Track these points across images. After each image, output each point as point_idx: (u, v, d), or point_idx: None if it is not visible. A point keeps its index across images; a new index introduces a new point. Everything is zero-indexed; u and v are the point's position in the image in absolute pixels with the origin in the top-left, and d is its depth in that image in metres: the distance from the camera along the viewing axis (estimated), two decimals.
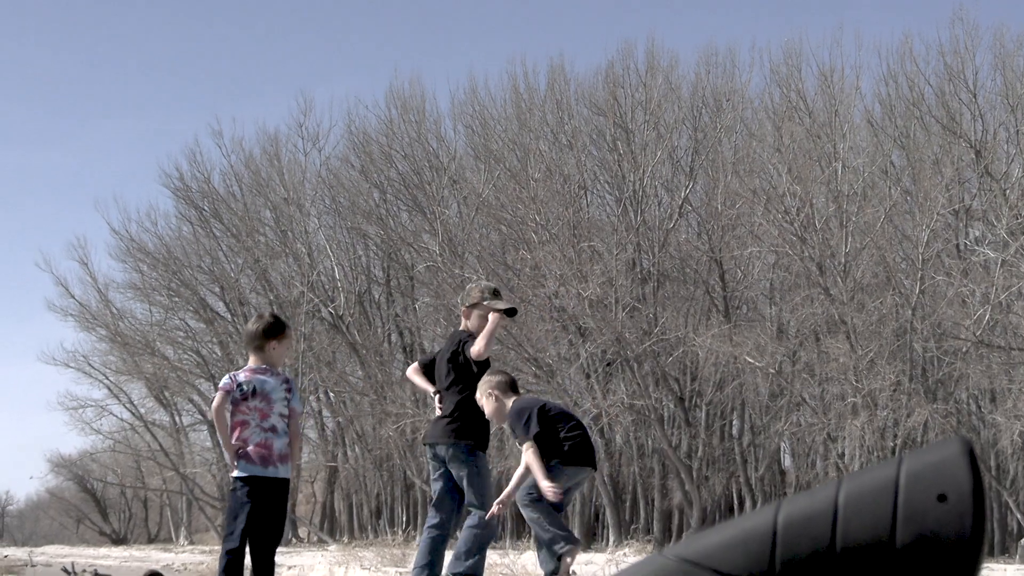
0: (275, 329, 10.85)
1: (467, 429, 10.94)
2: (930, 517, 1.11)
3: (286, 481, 10.78)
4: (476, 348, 10.94)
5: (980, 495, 1.12)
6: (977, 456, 1.12)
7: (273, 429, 10.52)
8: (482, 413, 11.23)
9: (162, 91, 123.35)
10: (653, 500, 46.07)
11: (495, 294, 11.24)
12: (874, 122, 44.14)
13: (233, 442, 10.64)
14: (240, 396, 10.52)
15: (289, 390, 10.87)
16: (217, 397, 10.94)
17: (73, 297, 64.92)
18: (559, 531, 10.70)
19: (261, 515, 10.52)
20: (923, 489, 1.12)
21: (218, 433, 10.59)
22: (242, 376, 10.72)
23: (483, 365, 11.04)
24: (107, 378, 65.99)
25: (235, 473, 10.66)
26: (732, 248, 43.58)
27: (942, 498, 1.11)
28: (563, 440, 11.27)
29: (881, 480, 1.13)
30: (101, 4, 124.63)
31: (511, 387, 11.45)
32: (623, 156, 45.10)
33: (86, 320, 64.74)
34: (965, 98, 41.48)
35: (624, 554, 30.23)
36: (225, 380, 10.85)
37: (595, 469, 12.12)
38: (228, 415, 10.97)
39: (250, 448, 10.48)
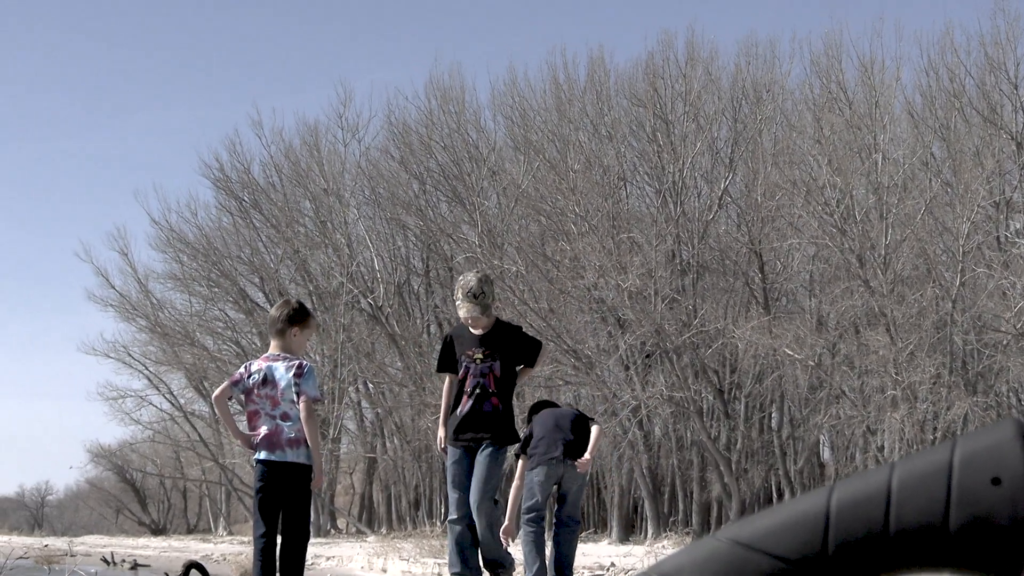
0: (298, 316, 11.08)
1: None
2: (984, 501, 1.11)
3: (299, 466, 10.70)
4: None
5: None
6: None
7: (284, 416, 10.61)
8: None
9: (202, 81, 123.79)
10: (692, 492, 45.98)
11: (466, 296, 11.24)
12: (914, 113, 43.90)
13: (249, 432, 10.89)
14: (251, 385, 10.69)
15: (300, 375, 10.79)
16: (221, 386, 11.36)
17: (113, 287, 65.21)
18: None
19: (274, 499, 10.65)
20: (977, 472, 1.12)
21: (222, 422, 11.33)
22: (255, 365, 10.95)
23: None
24: (147, 368, 66.30)
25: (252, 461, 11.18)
26: (772, 240, 43.40)
27: (996, 481, 1.11)
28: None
29: (935, 463, 1.12)
30: None
31: None
32: (663, 147, 44.94)
33: (126, 310, 64.98)
34: (1007, 90, 41.31)
35: (663, 546, 30.18)
36: (239, 370, 11.07)
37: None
38: (240, 404, 11.71)
39: (260, 435, 10.59)
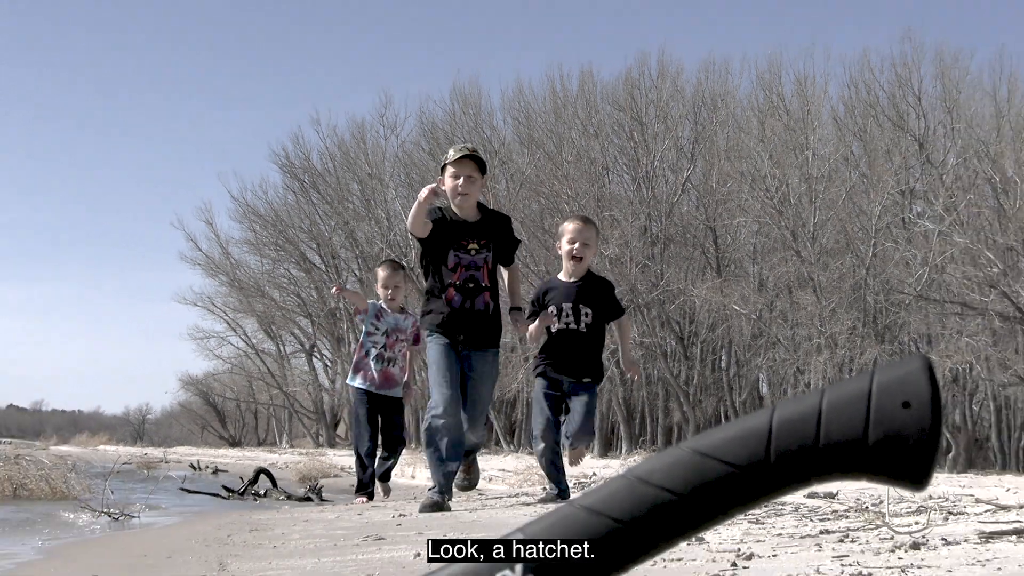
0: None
1: None
2: (896, 421, 1.10)
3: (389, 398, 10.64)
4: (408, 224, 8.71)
5: (937, 404, 1.11)
6: (935, 371, 1.11)
7: (392, 359, 10.66)
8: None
9: (273, 86, 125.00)
10: (658, 418, 46.18)
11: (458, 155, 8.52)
12: (838, 119, 44.06)
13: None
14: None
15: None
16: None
17: (200, 250, 65.56)
18: None
19: (374, 418, 10.69)
20: (891, 397, 1.11)
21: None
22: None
23: (422, 242, 8.45)
24: (226, 315, 66.90)
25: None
26: (723, 218, 43.71)
27: (906, 405, 1.10)
28: None
29: (857, 389, 1.12)
30: (223, 13, 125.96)
31: None
32: (638, 144, 45.17)
33: (211, 269, 65.48)
34: (911, 101, 41.60)
35: (635, 459, 30.16)
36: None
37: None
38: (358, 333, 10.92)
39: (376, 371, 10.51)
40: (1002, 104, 40.99)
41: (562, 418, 8.89)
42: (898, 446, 1.06)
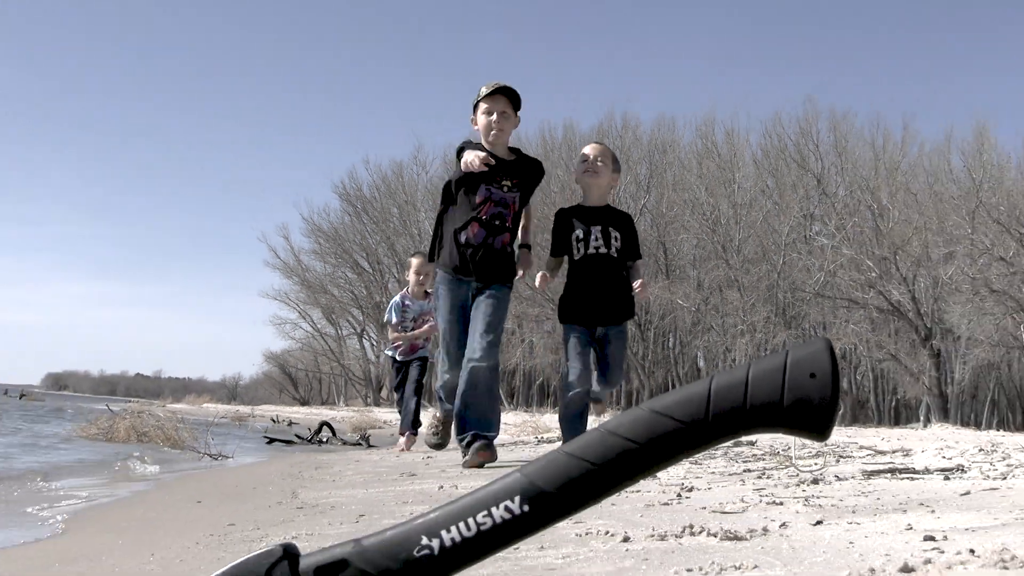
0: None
1: None
2: (805, 388, 1.08)
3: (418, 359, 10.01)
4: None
5: (836, 375, 1.09)
6: (835, 350, 1.09)
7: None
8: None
9: (332, 134, 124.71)
10: (621, 385, 46.16)
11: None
12: (757, 161, 44.28)
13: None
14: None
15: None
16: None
17: (279, 258, 66.67)
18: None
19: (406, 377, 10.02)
20: (801, 370, 1.09)
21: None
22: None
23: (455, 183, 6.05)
24: (298, 307, 67.57)
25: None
26: (671, 235, 43.82)
27: (812, 376, 1.09)
28: None
29: (775, 364, 1.10)
30: (297, 82, 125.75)
31: None
32: None
33: (286, 272, 66.57)
34: (811, 148, 41.92)
35: (604, 417, 30.04)
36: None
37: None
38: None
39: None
40: (878, 150, 41.21)
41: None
42: (806, 407, 1.05)
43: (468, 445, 5.69)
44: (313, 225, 64.83)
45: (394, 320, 9.91)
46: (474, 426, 5.68)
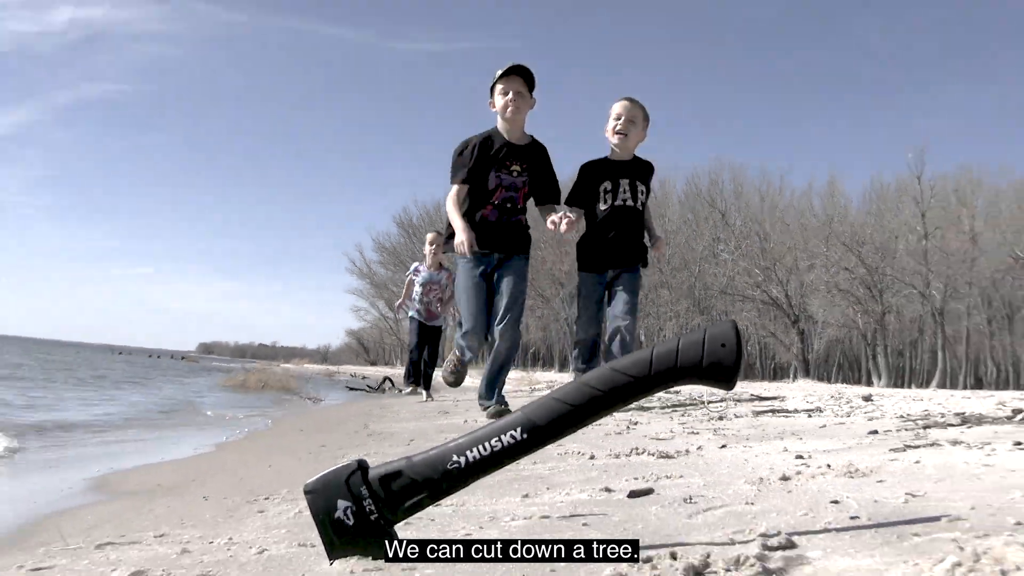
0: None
1: None
2: (718, 354, 1.06)
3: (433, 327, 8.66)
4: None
5: (739, 345, 1.07)
6: (739, 327, 1.07)
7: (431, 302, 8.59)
8: None
9: (390, 172, 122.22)
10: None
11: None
12: (681, 201, 43.80)
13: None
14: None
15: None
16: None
17: (355, 266, 66.58)
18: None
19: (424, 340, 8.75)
20: (715, 341, 1.07)
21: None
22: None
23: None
24: (368, 299, 67.65)
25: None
26: None
27: (723, 345, 1.07)
28: None
29: (698, 336, 1.08)
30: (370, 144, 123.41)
31: None
32: None
33: (361, 275, 66.49)
34: (718, 192, 41.40)
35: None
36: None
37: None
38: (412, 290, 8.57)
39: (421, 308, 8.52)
40: (764, 194, 40.89)
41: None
42: (718, 367, 1.04)
43: (490, 409, 4.39)
44: (379, 244, 64.78)
45: (409, 277, 8.75)
46: (496, 397, 4.44)
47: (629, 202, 4.67)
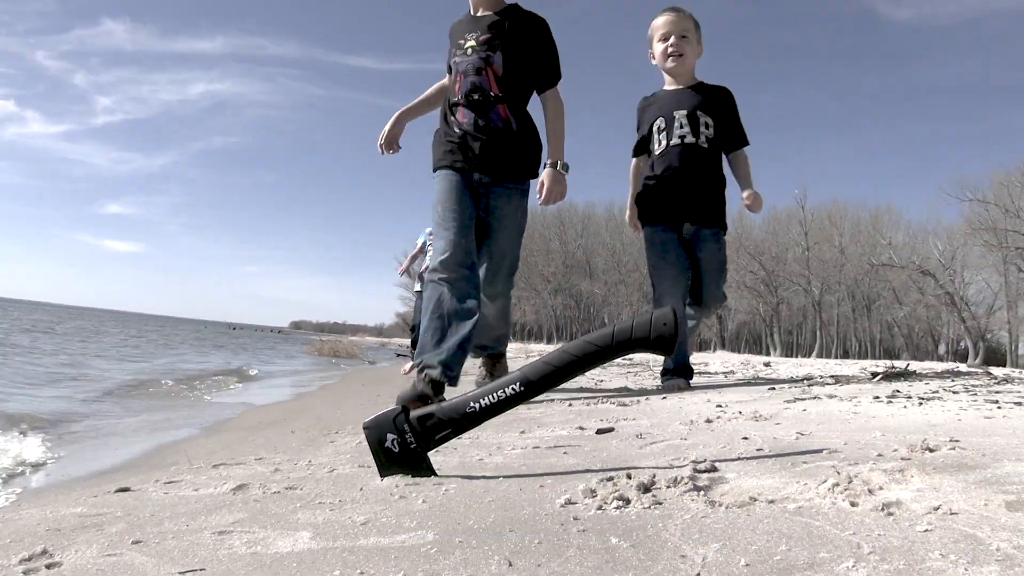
0: None
1: None
2: (660, 330, 1.04)
3: None
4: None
5: (677, 324, 1.05)
6: (679, 312, 1.05)
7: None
8: None
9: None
10: (571, 331, 45.44)
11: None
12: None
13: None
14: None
15: None
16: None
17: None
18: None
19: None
20: (659, 321, 1.05)
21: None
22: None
23: None
24: (410, 292, 66.27)
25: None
26: (596, 263, 42.77)
27: (665, 324, 1.05)
28: None
29: (646, 318, 1.06)
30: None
31: None
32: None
33: (404, 276, 64.58)
34: None
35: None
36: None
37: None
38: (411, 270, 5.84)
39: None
40: None
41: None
42: (661, 339, 1.03)
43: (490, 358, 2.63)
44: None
45: (417, 248, 5.89)
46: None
47: (688, 139, 2.46)
